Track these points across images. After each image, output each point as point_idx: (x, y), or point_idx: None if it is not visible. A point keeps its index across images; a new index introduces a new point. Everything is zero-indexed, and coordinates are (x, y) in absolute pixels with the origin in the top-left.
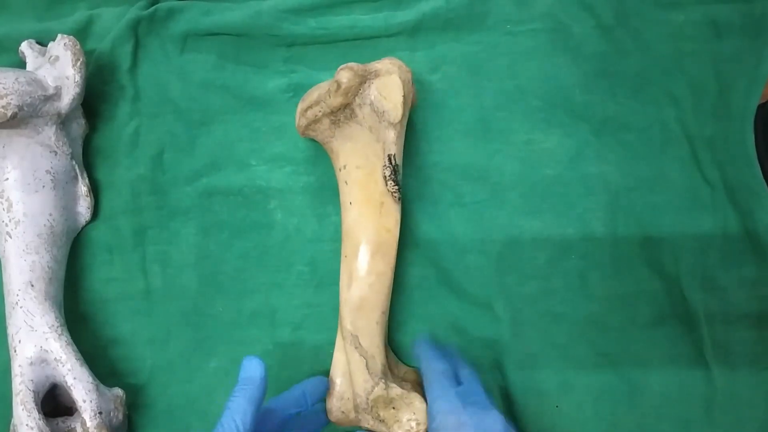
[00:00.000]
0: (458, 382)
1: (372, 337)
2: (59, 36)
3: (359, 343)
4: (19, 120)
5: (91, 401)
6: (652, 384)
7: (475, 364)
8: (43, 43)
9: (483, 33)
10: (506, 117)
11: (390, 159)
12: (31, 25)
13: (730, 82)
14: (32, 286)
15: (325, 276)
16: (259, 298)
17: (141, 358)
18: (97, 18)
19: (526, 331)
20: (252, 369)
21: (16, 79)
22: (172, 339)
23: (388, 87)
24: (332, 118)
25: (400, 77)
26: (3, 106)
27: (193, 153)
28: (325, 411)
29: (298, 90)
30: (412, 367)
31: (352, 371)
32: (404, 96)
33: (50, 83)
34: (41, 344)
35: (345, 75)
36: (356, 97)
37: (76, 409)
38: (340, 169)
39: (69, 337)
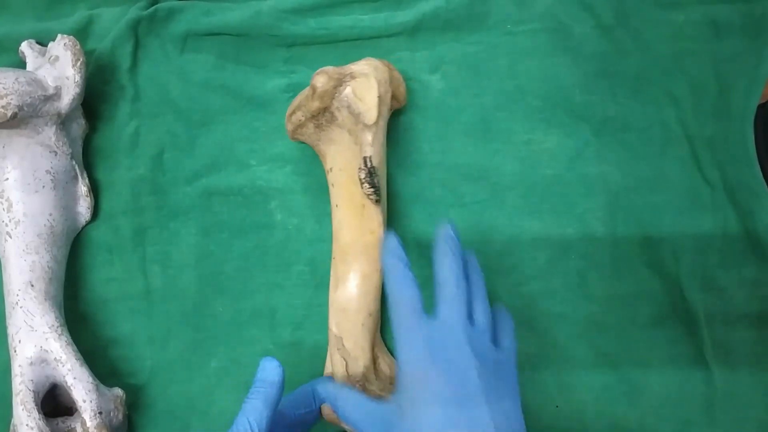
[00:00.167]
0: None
1: (356, 340)
2: (59, 36)
3: (342, 345)
4: (19, 120)
5: (91, 401)
6: (652, 384)
7: None
8: (43, 43)
9: (483, 33)
10: (506, 117)
11: (366, 161)
12: (31, 25)
13: (730, 82)
14: (32, 286)
15: (325, 276)
16: (259, 298)
17: (141, 358)
18: (97, 18)
19: (526, 331)
20: (270, 371)
21: (16, 79)
22: (172, 339)
23: (363, 88)
24: (315, 122)
25: (375, 78)
26: (3, 106)
27: (193, 153)
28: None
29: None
30: None
31: (333, 373)
32: (380, 97)
33: (50, 83)
34: (41, 344)
35: (319, 79)
36: (334, 101)
37: (76, 409)
38: (327, 172)
39: (69, 337)
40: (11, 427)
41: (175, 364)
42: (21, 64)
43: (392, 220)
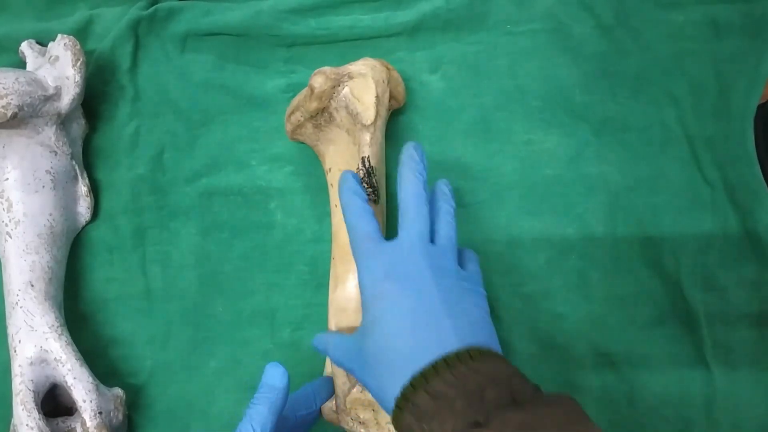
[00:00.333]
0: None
1: None
2: (59, 36)
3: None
4: (19, 120)
5: (91, 401)
6: (652, 384)
7: None
8: (43, 43)
9: (483, 33)
10: (506, 117)
11: (364, 161)
12: (31, 25)
13: (730, 82)
14: (32, 286)
15: (325, 276)
16: (259, 298)
17: (141, 358)
18: (97, 18)
19: (526, 331)
20: (276, 377)
21: (16, 79)
22: (172, 339)
23: (360, 89)
24: (313, 122)
25: (373, 78)
26: (3, 106)
27: (193, 153)
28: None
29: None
30: None
31: (333, 372)
32: (377, 97)
33: (50, 83)
34: (41, 344)
35: (317, 80)
36: (332, 101)
37: (76, 409)
38: (326, 172)
39: (69, 337)
40: (11, 427)
41: (175, 364)
42: (21, 64)
43: (392, 220)
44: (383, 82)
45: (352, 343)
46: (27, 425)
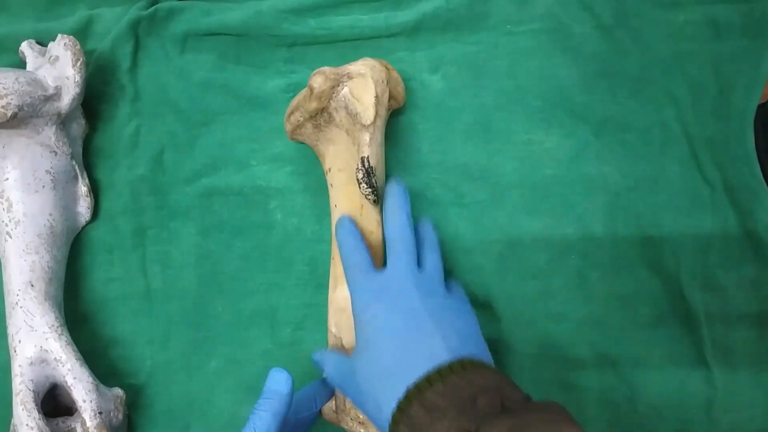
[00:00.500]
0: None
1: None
2: (59, 36)
3: (342, 345)
4: (19, 120)
5: (91, 401)
6: (652, 384)
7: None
8: (43, 43)
9: (483, 33)
10: (506, 117)
11: (363, 162)
12: (31, 25)
13: (730, 82)
14: (32, 286)
15: (325, 276)
16: (259, 298)
17: (141, 358)
18: (97, 18)
19: (526, 331)
20: (279, 382)
21: (16, 79)
22: (172, 339)
23: (360, 89)
24: (313, 122)
25: (372, 78)
26: (3, 106)
27: (193, 153)
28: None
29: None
30: None
31: None
32: (377, 97)
33: (50, 83)
34: (41, 344)
35: (317, 80)
36: (331, 101)
37: (76, 409)
38: (326, 172)
39: (69, 337)
40: (11, 427)
41: (175, 364)
42: (21, 64)
43: None
44: (382, 82)
45: (347, 366)
46: (27, 425)
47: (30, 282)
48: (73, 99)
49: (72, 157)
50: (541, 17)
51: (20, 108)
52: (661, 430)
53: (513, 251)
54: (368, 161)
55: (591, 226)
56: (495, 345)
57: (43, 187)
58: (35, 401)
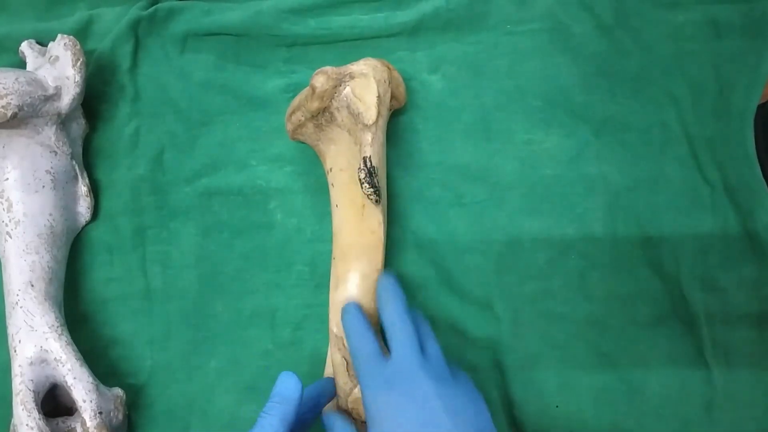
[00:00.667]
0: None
1: None
2: (59, 36)
3: (342, 345)
4: (19, 120)
5: (91, 401)
6: (652, 384)
7: (474, 365)
8: (43, 43)
9: (483, 33)
10: (506, 117)
11: (365, 161)
12: (31, 25)
13: (730, 82)
14: (32, 286)
15: (325, 276)
16: (259, 298)
17: (141, 358)
18: (97, 18)
19: (526, 331)
20: (290, 387)
21: (16, 79)
22: (172, 339)
23: (362, 88)
24: (314, 122)
25: (374, 78)
26: (3, 106)
27: (193, 153)
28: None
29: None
30: None
31: (335, 372)
32: (379, 97)
33: (50, 83)
34: (41, 344)
35: (319, 79)
36: (333, 101)
37: (76, 409)
38: (327, 172)
39: (69, 337)
40: (11, 427)
41: (175, 364)
42: (21, 64)
43: (392, 220)
44: (385, 81)
45: None
46: (27, 425)
47: (30, 282)
48: (73, 99)
49: (72, 157)
50: (541, 17)
51: (20, 108)
52: (661, 430)
53: (513, 251)
54: (370, 161)
55: (591, 226)
56: (495, 345)
57: (43, 187)
58: (35, 401)
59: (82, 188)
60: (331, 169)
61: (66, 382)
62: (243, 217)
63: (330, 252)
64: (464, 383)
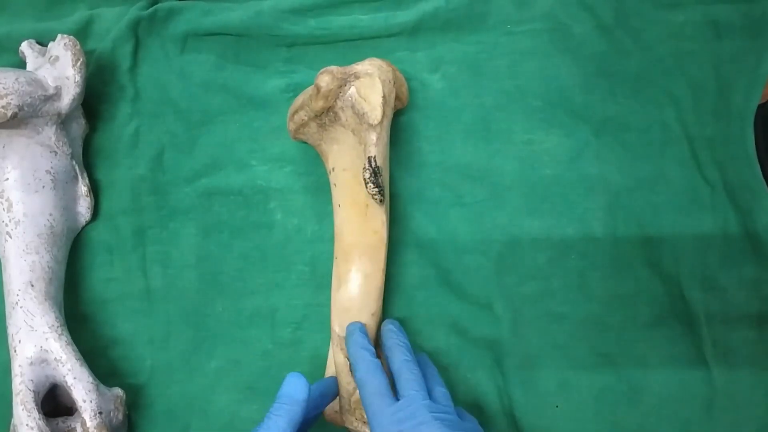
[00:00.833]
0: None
1: None
2: (59, 36)
3: (345, 345)
4: (19, 120)
5: (91, 401)
6: (652, 384)
7: (474, 365)
8: (43, 43)
9: (483, 33)
10: (506, 117)
11: (370, 161)
12: (31, 25)
13: (730, 82)
14: (32, 286)
15: (325, 276)
16: (259, 298)
17: (141, 358)
18: (97, 18)
19: (526, 331)
20: (297, 389)
21: (16, 79)
22: (172, 339)
23: (367, 88)
24: (318, 121)
25: (379, 78)
26: (3, 106)
27: (193, 153)
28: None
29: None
30: None
31: (337, 372)
32: (384, 97)
33: (50, 83)
34: (41, 344)
35: (324, 79)
36: (338, 100)
37: (76, 409)
38: (329, 172)
39: (69, 337)
40: (11, 427)
41: (175, 364)
42: (21, 64)
43: (392, 220)
44: (389, 82)
45: None
46: (27, 425)
47: (30, 282)
48: (73, 99)
49: (72, 157)
50: (541, 17)
51: (20, 108)
52: (661, 430)
53: (513, 251)
54: (375, 161)
55: (591, 226)
56: (495, 345)
57: (43, 187)
58: (35, 401)
59: (82, 188)
60: (333, 169)
61: (66, 382)
62: (243, 217)
63: (330, 252)
64: (472, 427)
